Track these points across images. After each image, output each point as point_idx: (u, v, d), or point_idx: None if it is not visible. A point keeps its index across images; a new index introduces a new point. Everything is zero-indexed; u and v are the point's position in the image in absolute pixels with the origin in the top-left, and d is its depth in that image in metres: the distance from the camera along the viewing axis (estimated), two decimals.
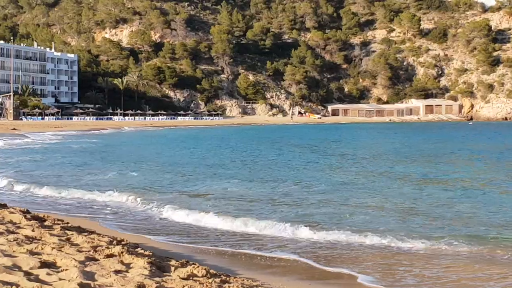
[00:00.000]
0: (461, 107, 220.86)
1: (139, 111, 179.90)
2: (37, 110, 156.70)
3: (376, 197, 25.39)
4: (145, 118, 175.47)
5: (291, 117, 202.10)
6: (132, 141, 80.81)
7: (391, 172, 36.62)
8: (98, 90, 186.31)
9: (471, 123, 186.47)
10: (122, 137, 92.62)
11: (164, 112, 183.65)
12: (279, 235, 18.10)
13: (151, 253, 12.90)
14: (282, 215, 21.21)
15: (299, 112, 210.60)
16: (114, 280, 9.65)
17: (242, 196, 26.13)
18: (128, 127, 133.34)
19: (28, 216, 16.59)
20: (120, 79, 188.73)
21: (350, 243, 16.76)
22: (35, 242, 12.44)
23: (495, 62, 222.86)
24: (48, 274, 9.52)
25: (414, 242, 16.44)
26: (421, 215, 21.07)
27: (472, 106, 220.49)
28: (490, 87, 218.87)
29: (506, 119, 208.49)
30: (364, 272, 13.80)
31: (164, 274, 11.00)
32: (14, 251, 11.43)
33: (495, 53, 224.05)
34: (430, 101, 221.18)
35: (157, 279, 10.29)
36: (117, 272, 10.41)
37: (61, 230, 14.86)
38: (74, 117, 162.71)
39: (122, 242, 13.93)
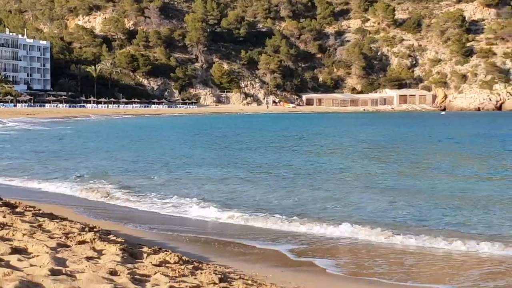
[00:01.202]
0: (434, 97, 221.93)
1: (112, 99, 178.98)
2: (9, 97, 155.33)
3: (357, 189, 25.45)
4: (118, 106, 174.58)
5: (267, 107, 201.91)
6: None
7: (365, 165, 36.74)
8: (71, 78, 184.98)
9: (443, 113, 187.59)
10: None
11: (138, 100, 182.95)
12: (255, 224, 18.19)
13: (123, 240, 12.84)
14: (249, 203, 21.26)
15: (274, 101, 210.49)
16: (86, 266, 9.58)
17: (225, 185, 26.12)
18: (94, 115, 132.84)
19: None
20: (93, 67, 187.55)
21: (325, 235, 16.82)
22: (6, 229, 12.32)
23: (469, 53, 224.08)
24: (19, 260, 9.43)
25: (390, 235, 16.46)
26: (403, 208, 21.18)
27: (445, 96, 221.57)
28: (464, 77, 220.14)
29: (479, 109, 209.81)
30: (335, 262, 13.84)
31: (136, 260, 10.96)
32: None
33: (468, 44, 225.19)
34: (404, 91, 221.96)
35: (129, 265, 10.24)
36: (89, 258, 10.34)
37: (32, 216, 14.75)
38: (47, 105, 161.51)
39: (95, 229, 13.86)
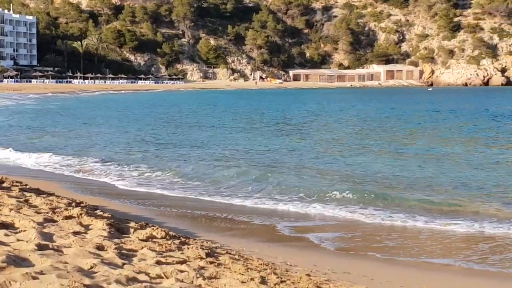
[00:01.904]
0: (421, 72, 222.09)
1: (99, 75, 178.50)
2: None
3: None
4: (105, 82, 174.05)
5: (255, 82, 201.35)
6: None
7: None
8: (58, 53, 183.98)
9: (430, 89, 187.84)
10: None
11: (125, 76, 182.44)
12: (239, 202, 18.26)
13: (110, 215, 12.84)
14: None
15: (261, 77, 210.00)
16: (73, 241, 9.58)
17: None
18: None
19: None
20: (79, 42, 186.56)
21: (312, 212, 16.89)
22: None
23: (456, 28, 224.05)
24: (6, 235, 9.42)
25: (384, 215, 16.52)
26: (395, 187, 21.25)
27: (432, 71, 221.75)
28: (451, 52, 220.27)
29: (466, 84, 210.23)
30: (322, 237, 13.89)
31: (123, 235, 10.97)
32: None
33: (456, 19, 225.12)
34: (391, 67, 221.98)
35: (116, 240, 10.25)
36: (75, 233, 10.34)
37: (19, 192, 14.72)
38: (33, 80, 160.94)
39: (81, 204, 13.85)
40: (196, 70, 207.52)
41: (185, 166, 24.53)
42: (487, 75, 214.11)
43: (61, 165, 24.65)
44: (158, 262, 8.99)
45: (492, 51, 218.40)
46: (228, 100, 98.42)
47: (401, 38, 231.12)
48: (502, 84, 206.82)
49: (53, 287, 6.92)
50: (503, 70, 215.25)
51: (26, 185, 16.49)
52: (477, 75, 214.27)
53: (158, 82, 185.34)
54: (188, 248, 10.53)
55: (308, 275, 9.92)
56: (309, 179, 21.37)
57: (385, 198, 17.84)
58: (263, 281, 8.71)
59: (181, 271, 8.56)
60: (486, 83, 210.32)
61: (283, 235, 14.08)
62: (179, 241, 11.27)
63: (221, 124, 49.07)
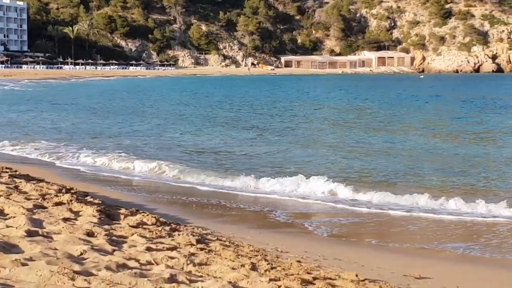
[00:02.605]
0: (413, 59, 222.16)
1: (90, 61, 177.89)
2: None
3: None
4: (96, 68, 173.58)
5: (248, 69, 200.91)
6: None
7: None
8: (48, 39, 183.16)
9: (422, 76, 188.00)
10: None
11: (116, 62, 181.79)
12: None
13: (100, 202, 12.81)
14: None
15: (252, 63, 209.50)
16: (63, 227, 9.56)
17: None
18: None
19: None
20: (70, 28, 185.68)
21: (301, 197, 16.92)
22: None
23: (447, 15, 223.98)
24: None
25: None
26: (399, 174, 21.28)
27: (423, 58, 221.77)
28: (442, 39, 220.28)
29: (457, 71, 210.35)
30: (314, 224, 13.91)
31: (114, 222, 10.95)
32: None
33: (447, 6, 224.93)
34: (382, 53, 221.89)
35: (106, 226, 10.23)
36: (65, 220, 10.31)
37: (9, 178, 14.67)
38: (24, 66, 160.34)
39: (72, 191, 13.80)
40: (187, 56, 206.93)
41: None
42: (478, 62, 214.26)
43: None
44: (148, 249, 8.98)
45: (483, 38, 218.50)
46: (200, 87, 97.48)
47: (392, 24, 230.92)
48: (492, 71, 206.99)
49: (42, 273, 6.89)
50: (493, 57, 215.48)
51: (15, 171, 16.43)
52: (468, 62, 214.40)
53: (149, 68, 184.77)
54: (178, 235, 10.52)
55: (299, 261, 9.92)
56: (299, 165, 21.41)
57: (376, 186, 17.87)
58: (253, 267, 8.71)
59: (172, 258, 8.55)
60: (477, 70, 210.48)
61: (275, 221, 14.07)
62: (169, 227, 11.25)
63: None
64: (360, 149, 25.96)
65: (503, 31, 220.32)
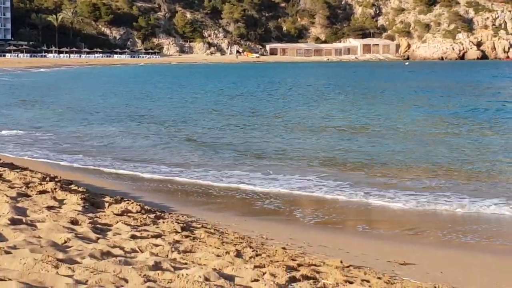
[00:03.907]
0: (398, 46, 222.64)
1: (74, 49, 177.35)
2: None
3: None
4: (80, 56, 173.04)
5: (236, 56, 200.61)
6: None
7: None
8: (32, 27, 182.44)
9: (407, 63, 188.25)
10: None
11: (100, 50, 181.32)
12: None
13: (85, 190, 12.78)
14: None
15: (237, 51, 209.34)
16: (47, 216, 9.52)
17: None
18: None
19: None
20: (54, 16, 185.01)
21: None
22: None
23: (432, 2, 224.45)
24: None
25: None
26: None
27: (409, 45, 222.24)
28: (427, 26, 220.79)
29: (442, 58, 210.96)
30: (301, 212, 13.91)
31: (98, 210, 10.92)
32: None
33: None
34: (367, 41, 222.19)
35: (91, 214, 10.20)
36: (49, 208, 10.27)
37: None
38: (7, 54, 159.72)
39: (56, 179, 13.74)
40: (172, 44, 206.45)
41: None
42: (463, 49, 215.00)
43: None
44: (133, 236, 8.96)
45: (468, 25, 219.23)
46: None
47: (377, 12, 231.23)
48: (477, 58, 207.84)
49: (26, 261, 6.86)
50: (478, 44, 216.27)
51: None
52: (453, 49, 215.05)
53: (134, 56, 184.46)
54: (163, 222, 10.51)
55: (284, 248, 9.93)
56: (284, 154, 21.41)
57: (361, 174, 17.91)
58: (238, 254, 8.71)
59: (156, 245, 8.54)
60: (462, 57, 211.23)
61: (260, 209, 14.07)
62: (154, 215, 11.24)
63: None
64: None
65: (487, 18, 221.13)
